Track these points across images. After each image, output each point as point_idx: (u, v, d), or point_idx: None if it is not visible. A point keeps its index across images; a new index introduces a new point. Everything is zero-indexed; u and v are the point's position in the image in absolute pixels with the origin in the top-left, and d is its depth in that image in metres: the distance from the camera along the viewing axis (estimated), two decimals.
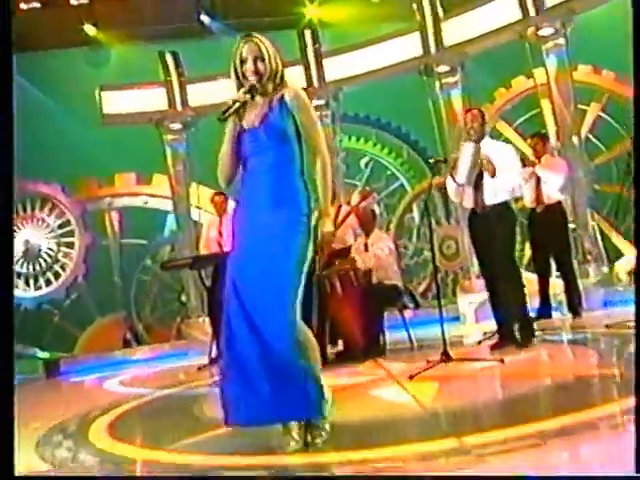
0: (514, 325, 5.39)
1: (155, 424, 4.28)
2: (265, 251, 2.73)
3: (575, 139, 8.92)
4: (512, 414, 3.07)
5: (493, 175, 5.17)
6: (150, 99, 10.38)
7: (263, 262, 2.73)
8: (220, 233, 7.62)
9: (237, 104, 2.79)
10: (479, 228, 5.36)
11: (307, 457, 2.61)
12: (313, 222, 2.80)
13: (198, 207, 10.40)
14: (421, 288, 10.88)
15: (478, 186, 5.31)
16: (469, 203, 5.40)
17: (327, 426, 2.74)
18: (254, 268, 2.73)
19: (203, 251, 7.71)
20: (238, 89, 2.84)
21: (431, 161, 5.76)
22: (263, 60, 2.79)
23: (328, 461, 2.57)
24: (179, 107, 10.42)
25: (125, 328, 10.97)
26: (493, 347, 5.35)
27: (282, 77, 2.86)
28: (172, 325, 11.09)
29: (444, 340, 4.76)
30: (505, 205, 5.29)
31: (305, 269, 2.75)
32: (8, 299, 2.30)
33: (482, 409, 3.36)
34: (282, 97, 2.82)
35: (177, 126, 10.50)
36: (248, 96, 2.79)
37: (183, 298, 10.95)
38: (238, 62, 2.83)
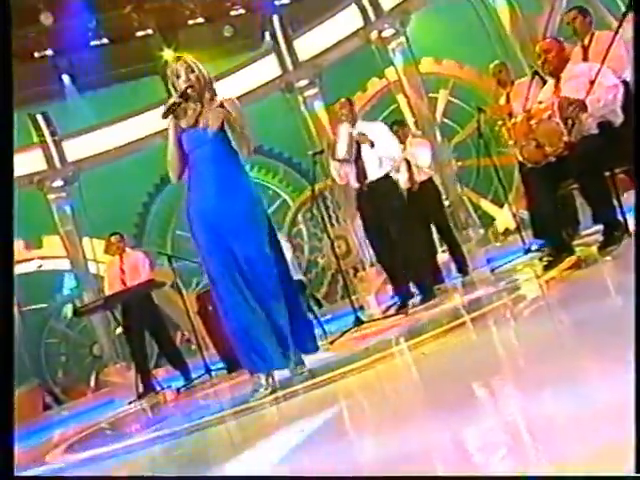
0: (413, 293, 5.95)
1: None
2: (227, 236, 3.16)
3: (432, 124, 9.79)
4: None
5: (372, 145, 5.59)
6: (28, 162, 10.38)
7: (229, 242, 3.16)
8: (122, 271, 7.80)
9: (173, 104, 3.19)
10: (367, 204, 5.71)
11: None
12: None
13: (95, 260, 10.45)
14: (322, 292, 11.40)
15: (359, 163, 5.74)
16: (353, 181, 5.81)
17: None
18: (223, 250, 3.16)
19: (108, 290, 7.84)
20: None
21: (309, 154, 6.16)
22: (193, 71, 3.25)
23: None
24: (58, 165, 10.50)
25: (42, 393, 10.75)
26: (396, 312, 5.87)
27: (213, 88, 3.30)
28: (89, 380, 10.99)
29: (353, 307, 5.22)
30: (388, 178, 5.77)
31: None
32: (8, 300, 2.41)
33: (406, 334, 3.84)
34: (221, 104, 3.24)
35: (59, 183, 10.55)
36: (180, 99, 3.19)
37: (95, 351, 10.90)
38: (174, 78, 3.30)
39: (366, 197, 5.71)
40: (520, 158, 4.30)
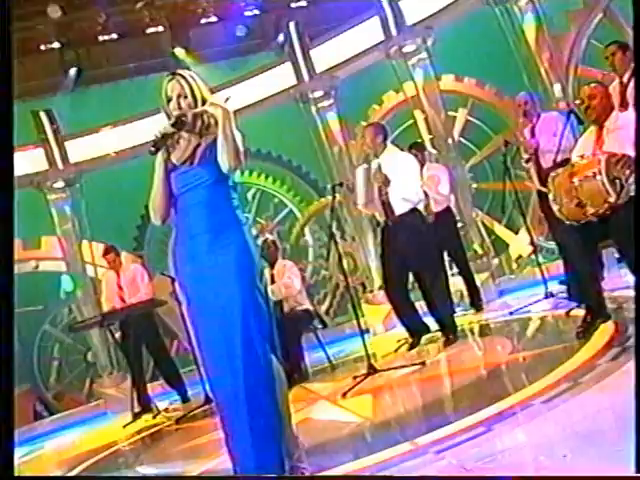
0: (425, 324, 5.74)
1: None
2: (216, 295, 2.75)
3: (449, 144, 9.48)
4: (451, 409, 3.27)
5: (386, 184, 5.42)
6: (29, 161, 10.06)
7: (216, 307, 2.74)
8: (120, 287, 7.56)
9: (164, 137, 2.78)
10: (393, 238, 5.57)
11: None
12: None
13: (93, 264, 10.16)
14: (324, 307, 11.12)
15: (383, 198, 5.56)
16: (381, 217, 5.65)
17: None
18: (210, 312, 2.76)
19: (106, 306, 7.61)
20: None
21: (329, 186, 5.99)
22: (186, 97, 2.83)
23: None
24: (60, 165, 10.17)
25: (33, 400, 10.46)
26: (410, 349, 5.65)
27: (209, 114, 2.82)
28: (83, 388, 10.70)
29: (367, 354, 4.96)
30: (414, 212, 5.56)
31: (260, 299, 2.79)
32: (7, 300, 2.28)
33: (421, 411, 3.55)
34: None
35: (60, 184, 10.23)
36: (172, 129, 2.78)
37: (89, 358, 10.62)
38: (165, 101, 2.87)
39: (391, 231, 5.53)
40: (558, 214, 4.00)
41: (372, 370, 4.81)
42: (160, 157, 2.85)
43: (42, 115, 10.28)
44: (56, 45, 11.53)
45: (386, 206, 5.54)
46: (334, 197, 5.26)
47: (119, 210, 10.46)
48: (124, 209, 10.61)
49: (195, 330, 2.88)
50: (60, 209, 10.32)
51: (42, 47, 11.44)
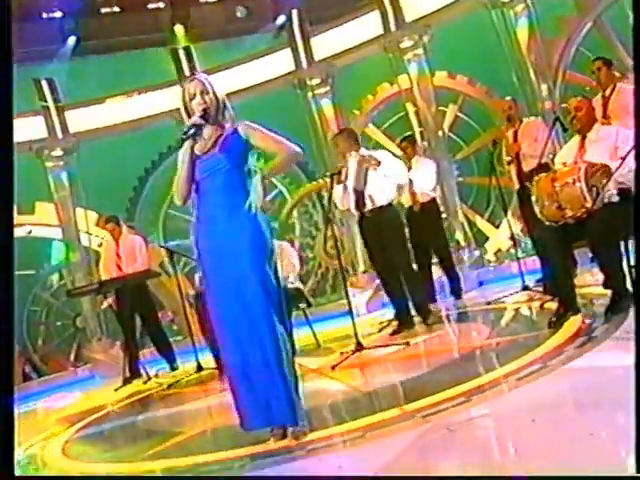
0: (412, 312, 6.11)
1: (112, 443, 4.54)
2: (232, 275, 3.11)
3: (438, 137, 9.88)
4: (434, 384, 3.65)
5: (378, 165, 5.74)
6: (28, 128, 10.25)
7: (233, 286, 3.10)
8: (118, 255, 7.85)
9: (194, 128, 3.15)
10: (370, 231, 5.96)
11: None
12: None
13: (87, 232, 10.42)
14: (308, 286, 11.47)
15: (362, 191, 5.92)
16: (353, 209, 6.00)
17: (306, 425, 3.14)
18: (226, 291, 3.12)
19: (104, 274, 7.91)
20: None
21: (327, 174, 6.30)
22: (208, 93, 3.20)
23: (308, 439, 3.04)
24: (59, 134, 10.39)
25: (22, 362, 10.75)
26: (393, 333, 6.02)
27: (227, 108, 3.26)
28: (69, 352, 11.01)
29: (355, 331, 5.33)
30: (389, 206, 5.93)
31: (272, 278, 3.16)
32: (7, 298, 2.37)
33: (406, 384, 3.94)
34: (236, 129, 3.22)
35: (58, 153, 10.45)
36: (202, 121, 3.16)
37: (78, 323, 10.91)
38: (188, 99, 3.23)
39: (368, 224, 5.93)
40: (539, 215, 4.39)
41: (360, 347, 5.17)
42: (187, 145, 3.21)
43: (43, 83, 10.44)
44: (58, 14, 11.68)
45: (360, 199, 5.88)
46: (332, 184, 5.57)
47: (113, 181, 10.72)
48: (118, 181, 10.89)
49: (211, 300, 3.23)
50: (57, 176, 10.54)
51: (44, 15, 11.60)
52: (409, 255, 6.35)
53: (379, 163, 5.75)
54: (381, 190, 5.87)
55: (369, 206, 5.92)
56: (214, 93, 3.22)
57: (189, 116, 3.23)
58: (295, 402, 3.07)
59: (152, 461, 3.47)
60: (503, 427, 2.67)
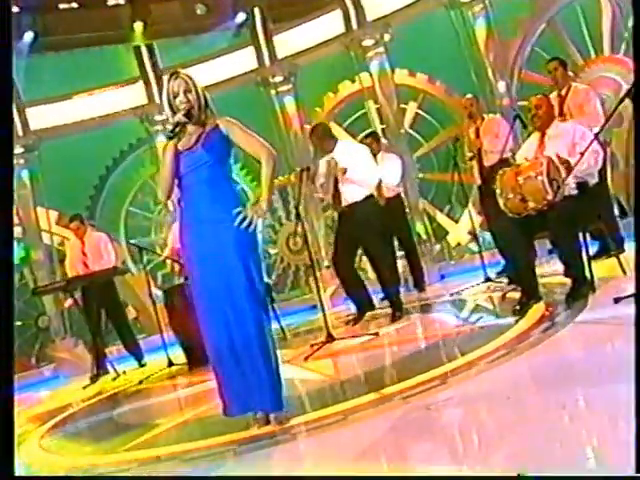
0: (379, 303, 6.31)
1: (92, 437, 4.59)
2: (218, 265, 3.21)
3: (399, 134, 10.09)
4: (407, 370, 3.82)
5: (343, 173, 5.89)
6: None
7: (219, 275, 3.20)
8: (84, 253, 7.85)
9: (178, 126, 3.25)
10: (347, 224, 6.08)
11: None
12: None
13: (49, 231, 10.33)
14: (271, 281, 11.57)
15: (336, 188, 6.05)
16: (337, 205, 6.13)
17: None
18: (212, 281, 3.21)
19: (70, 273, 7.89)
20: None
21: (296, 170, 6.40)
22: (191, 92, 3.28)
23: (291, 424, 3.16)
24: (20, 132, 10.28)
25: None
26: (355, 323, 6.20)
27: (210, 107, 3.32)
28: (31, 352, 10.89)
29: (326, 323, 5.46)
30: (370, 199, 6.04)
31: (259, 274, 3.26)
32: (7, 298, 2.39)
33: (380, 371, 4.10)
34: (217, 125, 3.31)
35: (19, 150, 10.34)
36: (186, 119, 3.25)
37: (40, 323, 10.80)
38: (172, 97, 3.31)
39: (346, 218, 6.01)
40: (503, 207, 4.60)
41: (330, 338, 5.31)
42: (170, 143, 3.31)
43: None
44: (15, 9, 11.50)
45: (336, 197, 6.01)
46: (301, 180, 5.69)
47: (75, 179, 10.66)
48: (80, 178, 10.82)
49: (196, 291, 3.33)
50: (18, 175, 10.42)
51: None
52: (386, 247, 6.51)
53: (345, 171, 5.87)
54: (351, 190, 5.99)
55: (344, 203, 6.05)
56: (197, 92, 3.29)
57: (172, 112, 3.31)
58: (279, 388, 3.19)
59: (137, 450, 3.54)
60: (477, 405, 2.84)
